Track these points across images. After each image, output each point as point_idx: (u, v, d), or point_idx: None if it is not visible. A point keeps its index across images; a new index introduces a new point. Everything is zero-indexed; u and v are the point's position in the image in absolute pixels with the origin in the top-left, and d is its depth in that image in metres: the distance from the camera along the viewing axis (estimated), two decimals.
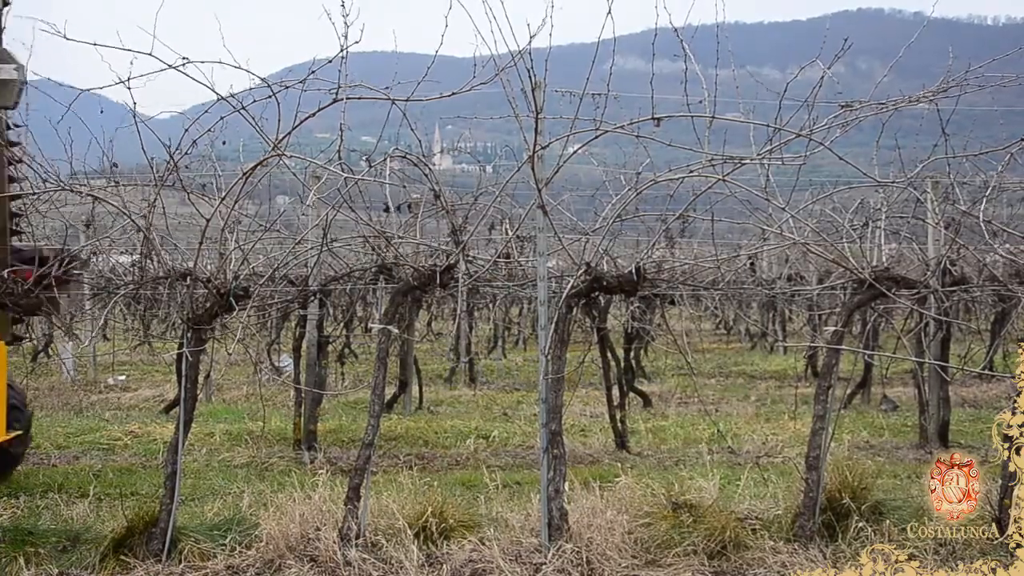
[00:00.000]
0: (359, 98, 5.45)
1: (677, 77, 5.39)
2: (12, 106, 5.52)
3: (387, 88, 5.50)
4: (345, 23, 5.16)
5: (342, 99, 5.42)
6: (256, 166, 5.82)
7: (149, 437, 10.42)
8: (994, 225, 7.20)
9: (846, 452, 8.68)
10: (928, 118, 5.97)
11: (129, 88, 5.62)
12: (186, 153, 5.76)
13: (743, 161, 5.72)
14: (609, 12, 5.28)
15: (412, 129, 5.90)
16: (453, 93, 5.43)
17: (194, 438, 9.78)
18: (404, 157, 6.27)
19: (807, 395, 12.86)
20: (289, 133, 5.52)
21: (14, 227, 5.82)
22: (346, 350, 16.12)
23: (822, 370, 6.20)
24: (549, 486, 5.76)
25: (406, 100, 5.48)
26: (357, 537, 5.70)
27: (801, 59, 5.81)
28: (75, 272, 5.83)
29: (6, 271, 5.80)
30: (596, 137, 5.53)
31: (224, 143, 6.76)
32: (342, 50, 5.20)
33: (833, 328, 6.26)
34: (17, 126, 5.79)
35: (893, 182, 7.17)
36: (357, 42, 5.21)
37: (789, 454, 9.09)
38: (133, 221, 6.13)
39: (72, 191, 6.30)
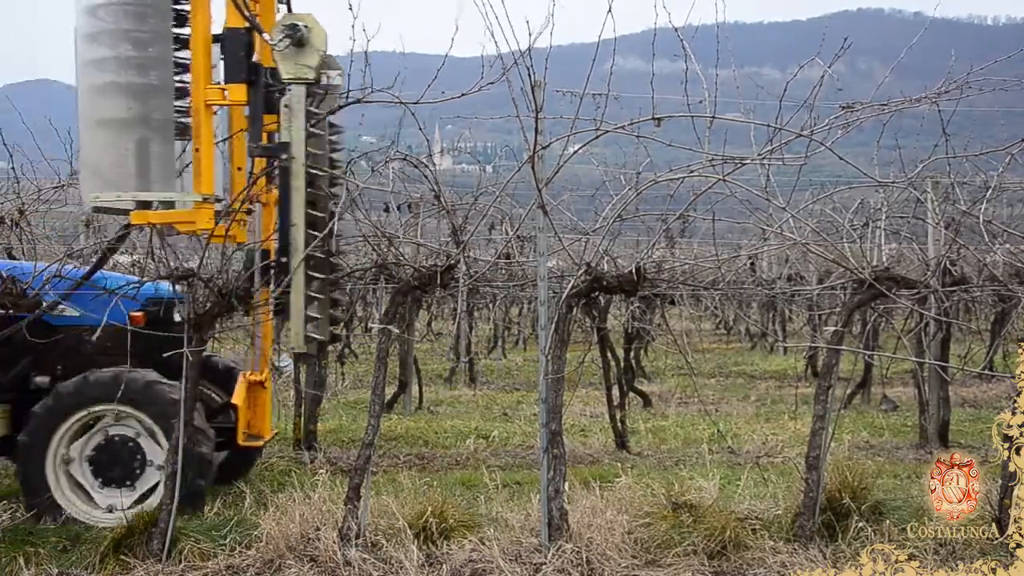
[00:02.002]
0: (371, 101, 5.49)
1: (677, 77, 5.39)
2: (336, 110, 5.58)
3: (391, 88, 5.53)
4: (365, 32, 5.23)
5: (359, 101, 5.47)
6: (265, 170, 5.84)
7: None
8: (994, 225, 7.19)
9: (846, 452, 8.67)
10: (928, 118, 5.98)
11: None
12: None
13: (743, 161, 5.73)
14: (609, 11, 5.29)
15: (421, 129, 5.95)
16: (463, 94, 5.46)
17: None
18: (405, 159, 6.29)
19: (807, 395, 12.84)
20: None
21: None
22: (346, 350, 16.12)
23: (822, 370, 6.20)
24: (549, 486, 5.76)
25: (415, 103, 5.51)
26: (357, 537, 5.70)
27: (801, 59, 5.81)
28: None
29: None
30: (596, 137, 5.54)
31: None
32: (366, 59, 5.26)
33: (833, 328, 6.25)
34: (337, 130, 5.80)
35: (893, 182, 7.17)
36: (371, 39, 5.27)
37: (789, 454, 9.08)
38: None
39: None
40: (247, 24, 5.54)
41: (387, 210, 7.93)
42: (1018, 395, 5.32)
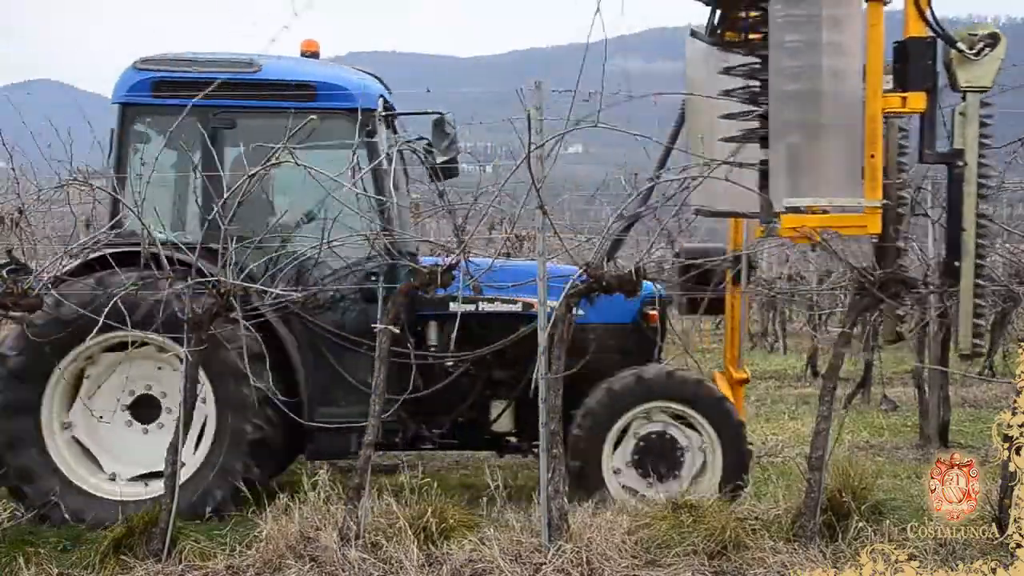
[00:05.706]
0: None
1: (678, 77, 5.41)
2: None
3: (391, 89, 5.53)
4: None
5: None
6: (263, 167, 5.83)
7: None
8: (997, 224, 7.18)
9: (846, 452, 8.67)
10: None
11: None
12: None
13: (743, 163, 5.74)
14: (620, 12, 5.32)
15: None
16: None
17: None
18: (413, 151, 6.29)
19: (807, 395, 12.86)
20: (296, 131, 5.57)
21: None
22: None
23: (827, 371, 6.19)
24: (549, 486, 5.76)
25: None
26: (357, 537, 5.70)
27: None
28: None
29: None
30: (593, 126, 5.55)
31: None
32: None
33: (841, 330, 6.25)
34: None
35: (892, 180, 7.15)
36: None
37: (789, 454, 9.08)
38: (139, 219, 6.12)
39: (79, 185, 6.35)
40: (931, 34, 5.69)
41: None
42: (1018, 395, 5.33)
